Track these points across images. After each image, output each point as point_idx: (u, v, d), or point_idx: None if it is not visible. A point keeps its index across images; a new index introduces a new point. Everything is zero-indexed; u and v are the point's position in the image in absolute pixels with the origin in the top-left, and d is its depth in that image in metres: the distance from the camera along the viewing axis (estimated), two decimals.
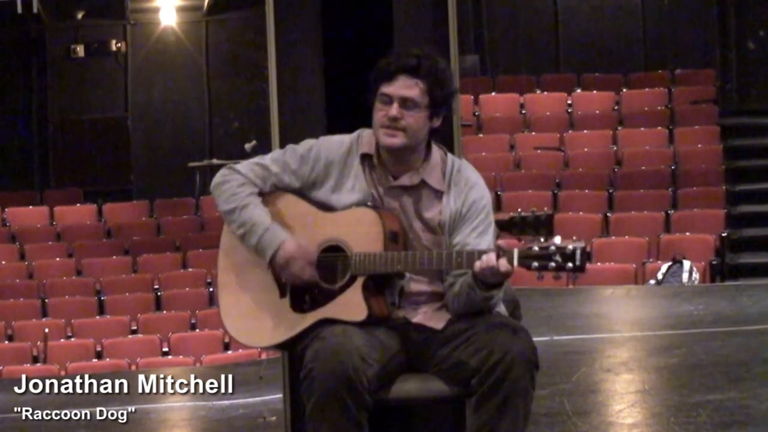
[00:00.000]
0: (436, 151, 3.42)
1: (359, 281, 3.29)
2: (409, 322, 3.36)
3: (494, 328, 3.25)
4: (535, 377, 3.24)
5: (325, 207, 3.39)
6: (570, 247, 3.09)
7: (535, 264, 3.11)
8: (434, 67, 3.33)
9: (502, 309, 3.43)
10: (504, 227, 3.40)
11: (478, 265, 3.17)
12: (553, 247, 3.10)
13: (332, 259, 3.34)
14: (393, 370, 3.31)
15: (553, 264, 3.09)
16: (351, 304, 3.29)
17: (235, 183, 3.40)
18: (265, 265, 3.35)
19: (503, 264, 3.14)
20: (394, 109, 3.30)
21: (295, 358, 3.49)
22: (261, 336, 3.41)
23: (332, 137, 3.47)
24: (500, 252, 3.15)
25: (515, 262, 3.14)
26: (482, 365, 3.20)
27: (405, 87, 3.31)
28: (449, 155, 3.44)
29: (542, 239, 3.14)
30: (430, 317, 3.35)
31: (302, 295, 3.36)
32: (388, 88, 3.31)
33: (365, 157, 3.40)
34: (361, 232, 3.31)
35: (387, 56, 3.36)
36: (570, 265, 3.08)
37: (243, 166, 3.45)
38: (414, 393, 3.32)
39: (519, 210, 3.39)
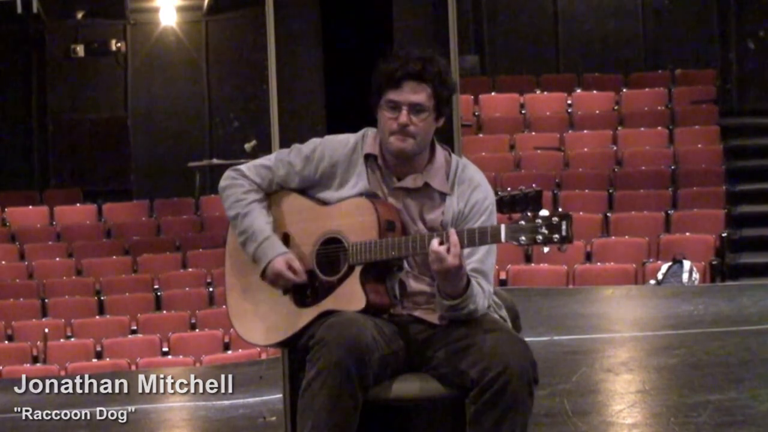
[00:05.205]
0: (440, 152, 3.41)
1: (357, 271, 3.30)
2: (411, 317, 3.36)
3: (495, 338, 3.23)
4: (534, 392, 3.21)
5: (326, 203, 3.41)
6: (555, 218, 3.09)
7: (523, 238, 3.12)
8: (438, 69, 3.33)
9: (504, 314, 3.43)
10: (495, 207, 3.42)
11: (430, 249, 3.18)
12: (539, 220, 3.10)
13: (332, 251, 3.35)
14: (394, 363, 3.31)
15: (540, 237, 3.10)
16: (350, 294, 3.30)
17: (240, 189, 3.43)
18: (259, 274, 3.38)
19: (440, 246, 3.15)
20: (404, 116, 3.30)
21: (295, 357, 3.49)
22: (268, 334, 3.42)
23: (336, 136, 3.47)
24: (442, 237, 3.17)
25: (503, 238, 3.14)
26: (481, 378, 3.18)
27: (413, 93, 3.30)
28: (453, 156, 3.44)
29: (529, 214, 3.14)
30: (432, 314, 3.34)
31: (304, 289, 3.37)
32: (395, 95, 3.31)
33: (369, 157, 3.41)
34: (356, 222, 3.32)
35: (389, 61, 3.34)
36: (557, 236, 3.09)
37: (248, 168, 3.47)
38: (413, 393, 3.32)
39: (508, 189, 3.39)
